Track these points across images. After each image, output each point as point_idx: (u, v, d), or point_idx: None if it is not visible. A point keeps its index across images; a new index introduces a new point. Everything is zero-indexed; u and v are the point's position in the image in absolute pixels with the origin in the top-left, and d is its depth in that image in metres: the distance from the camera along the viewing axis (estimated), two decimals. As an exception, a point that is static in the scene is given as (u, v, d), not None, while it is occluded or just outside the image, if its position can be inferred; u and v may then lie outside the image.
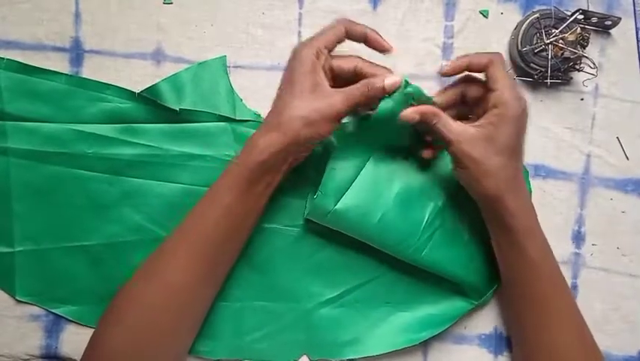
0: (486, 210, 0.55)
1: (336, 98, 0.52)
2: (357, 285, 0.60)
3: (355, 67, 0.54)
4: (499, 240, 0.55)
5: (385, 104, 0.53)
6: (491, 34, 0.61)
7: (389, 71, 0.54)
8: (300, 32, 0.60)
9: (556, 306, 0.54)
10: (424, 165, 0.59)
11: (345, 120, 0.55)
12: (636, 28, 0.62)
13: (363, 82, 0.53)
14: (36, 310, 0.58)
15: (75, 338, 0.59)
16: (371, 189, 0.56)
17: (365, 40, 0.54)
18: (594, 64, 0.59)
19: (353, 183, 0.56)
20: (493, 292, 0.60)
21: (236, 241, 0.56)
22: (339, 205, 0.56)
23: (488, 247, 0.58)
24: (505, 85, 0.52)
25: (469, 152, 0.51)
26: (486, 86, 0.54)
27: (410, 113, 0.52)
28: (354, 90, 0.52)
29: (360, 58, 0.54)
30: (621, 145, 0.62)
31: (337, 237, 0.58)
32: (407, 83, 0.53)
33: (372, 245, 0.58)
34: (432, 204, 0.58)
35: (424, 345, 0.60)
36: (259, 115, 0.59)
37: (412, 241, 0.56)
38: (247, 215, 0.54)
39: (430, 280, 0.59)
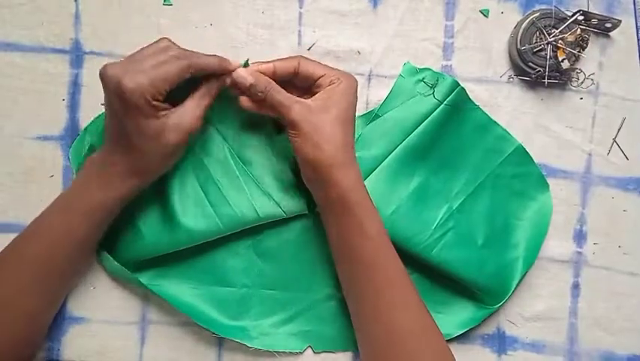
0: (316, 181, 0.53)
1: (182, 127, 0.50)
2: None
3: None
4: (327, 212, 0.54)
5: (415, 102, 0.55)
6: (492, 33, 0.61)
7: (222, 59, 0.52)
8: (300, 32, 0.60)
9: (388, 278, 0.52)
10: (445, 166, 0.59)
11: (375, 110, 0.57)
12: (637, 27, 0.62)
13: (194, 102, 0.51)
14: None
15: (77, 342, 0.59)
16: (389, 181, 0.57)
17: (216, 70, 0.52)
18: (592, 79, 0.60)
19: (372, 173, 0.56)
20: (509, 297, 0.59)
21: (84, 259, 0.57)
22: None
23: (506, 253, 0.59)
24: (327, 68, 0.53)
25: (307, 117, 0.51)
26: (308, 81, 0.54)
27: (243, 73, 0.52)
28: (194, 111, 0.51)
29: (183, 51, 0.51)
30: (619, 146, 0.62)
31: None
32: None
33: None
34: (447, 205, 0.58)
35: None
36: None
37: (422, 238, 0.56)
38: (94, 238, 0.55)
39: (441, 282, 0.59)
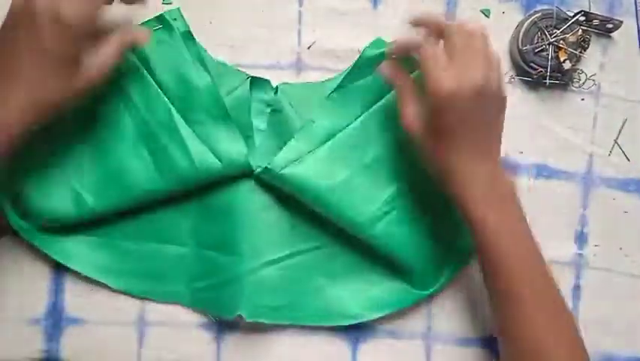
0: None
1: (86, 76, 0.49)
2: (300, 250, 0.58)
3: None
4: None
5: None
6: (493, 33, 0.60)
7: None
8: (299, 30, 0.60)
9: (531, 298, 0.50)
10: (403, 144, 0.57)
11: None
12: (638, 27, 0.62)
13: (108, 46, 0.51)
14: (36, 314, 0.58)
15: (75, 342, 0.58)
16: (344, 150, 0.56)
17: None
18: (593, 80, 0.60)
19: (327, 142, 0.56)
20: (441, 287, 0.59)
21: None
22: (307, 156, 0.56)
23: (449, 239, 0.58)
24: (431, 66, 0.48)
25: (422, 140, 0.51)
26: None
27: (385, 67, 0.54)
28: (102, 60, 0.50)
29: None
30: (620, 147, 0.62)
31: (288, 199, 0.57)
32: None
33: (323, 211, 0.56)
34: (399, 184, 0.57)
35: (427, 347, 0.60)
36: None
37: (369, 210, 0.56)
38: None
39: (373, 261, 0.58)
